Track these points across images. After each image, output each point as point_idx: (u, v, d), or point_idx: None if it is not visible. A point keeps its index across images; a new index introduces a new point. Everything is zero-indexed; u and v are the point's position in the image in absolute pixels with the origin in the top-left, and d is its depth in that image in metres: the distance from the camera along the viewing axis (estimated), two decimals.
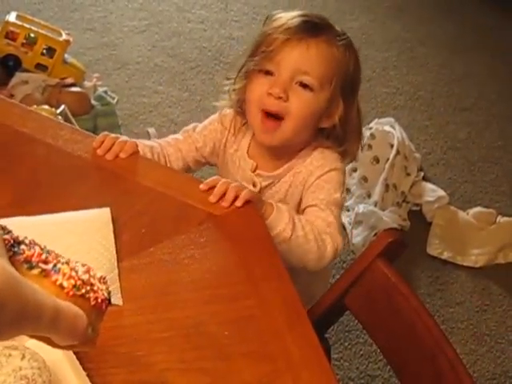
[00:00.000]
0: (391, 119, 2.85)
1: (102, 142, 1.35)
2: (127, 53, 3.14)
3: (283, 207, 1.36)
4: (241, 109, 1.52)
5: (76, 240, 1.14)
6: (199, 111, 2.87)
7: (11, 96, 2.57)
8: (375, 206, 2.55)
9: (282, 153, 1.50)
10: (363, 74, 3.08)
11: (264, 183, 1.51)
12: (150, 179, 1.30)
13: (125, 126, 2.75)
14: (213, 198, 1.26)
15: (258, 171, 1.52)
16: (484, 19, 3.72)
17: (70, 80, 2.65)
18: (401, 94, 3.15)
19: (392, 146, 2.68)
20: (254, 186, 1.51)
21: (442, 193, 2.64)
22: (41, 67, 2.67)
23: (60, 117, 2.39)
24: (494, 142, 3.01)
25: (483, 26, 3.68)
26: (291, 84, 1.40)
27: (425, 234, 2.56)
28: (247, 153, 1.54)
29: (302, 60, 1.39)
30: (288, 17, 1.43)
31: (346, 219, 2.53)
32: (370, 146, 2.69)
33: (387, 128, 2.76)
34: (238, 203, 1.25)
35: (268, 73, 1.42)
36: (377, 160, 2.66)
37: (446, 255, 2.51)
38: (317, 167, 1.47)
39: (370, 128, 2.76)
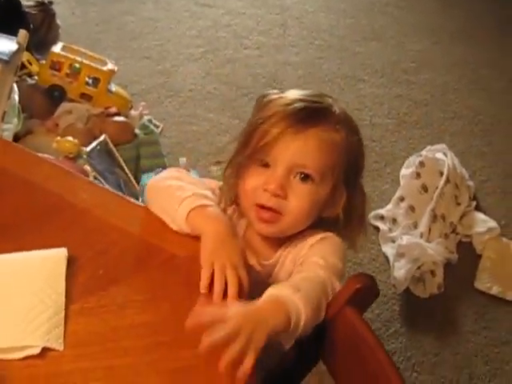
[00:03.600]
0: (444, 146, 2.73)
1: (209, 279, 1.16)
2: (181, 80, 3.12)
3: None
4: (235, 202, 1.38)
5: (25, 281, 1.10)
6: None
7: (56, 126, 2.58)
8: (421, 237, 2.44)
9: (279, 240, 1.36)
10: (420, 99, 3.04)
11: (261, 273, 1.35)
12: (117, 217, 1.25)
13: (172, 154, 2.73)
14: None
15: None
16: None
17: (113, 109, 2.65)
18: (459, 118, 3.03)
19: (442, 173, 2.57)
20: None
21: (493, 224, 2.51)
22: (85, 97, 2.68)
23: (95, 147, 2.38)
24: None
25: None
26: (289, 178, 1.27)
27: (474, 268, 2.43)
28: (243, 237, 1.37)
29: (300, 154, 1.26)
30: (282, 102, 1.30)
31: (390, 251, 2.43)
32: (418, 175, 2.58)
33: (438, 155, 2.65)
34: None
35: (264, 164, 1.29)
36: (425, 189, 2.55)
37: (495, 290, 2.37)
38: (307, 241, 1.32)
39: (420, 155, 2.66)
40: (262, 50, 3.32)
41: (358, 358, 1.10)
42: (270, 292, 1.11)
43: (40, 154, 1.46)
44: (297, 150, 1.26)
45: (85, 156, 2.25)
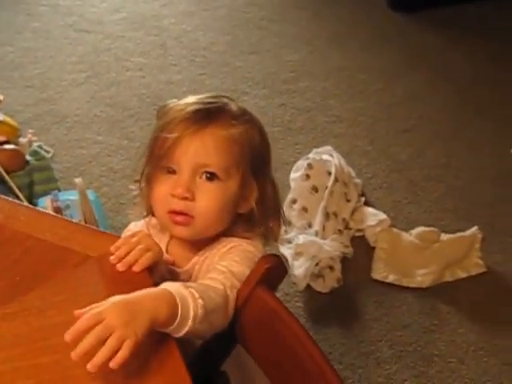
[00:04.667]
0: (329, 147, 2.84)
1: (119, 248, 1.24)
2: (66, 106, 3.14)
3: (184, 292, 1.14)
4: (153, 214, 1.42)
5: None
6: (138, 157, 2.85)
7: None
8: (316, 235, 2.52)
9: (199, 243, 1.39)
10: (303, 106, 3.15)
11: (178, 281, 1.34)
12: (29, 226, 1.28)
13: (64, 179, 2.74)
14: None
15: (171, 267, 1.38)
16: (421, 40, 3.73)
17: (2, 138, 2.65)
18: (341, 121, 3.14)
19: (330, 173, 2.67)
20: None
21: (383, 216, 2.62)
22: None
23: None
24: (437, 160, 2.99)
25: (420, 46, 3.69)
26: (195, 180, 1.30)
27: (369, 259, 2.53)
28: (166, 249, 1.41)
29: (200, 154, 1.29)
30: (178, 108, 1.34)
31: (288, 251, 2.50)
32: (307, 176, 2.67)
33: (325, 157, 2.75)
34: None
35: (169, 171, 1.33)
36: (315, 189, 2.64)
37: (391, 278, 2.47)
38: (220, 248, 1.36)
39: (308, 158, 2.75)
40: (145, 71, 3.37)
41: (275, 334, 1.16)
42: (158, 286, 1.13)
43: None
44: (196, 150, 1.30)
45: None
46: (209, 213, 1.31)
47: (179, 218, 1.31)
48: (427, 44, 3.71)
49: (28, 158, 2.64)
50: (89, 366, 0.99)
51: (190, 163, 1.30)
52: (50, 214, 1.40)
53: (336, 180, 2.65)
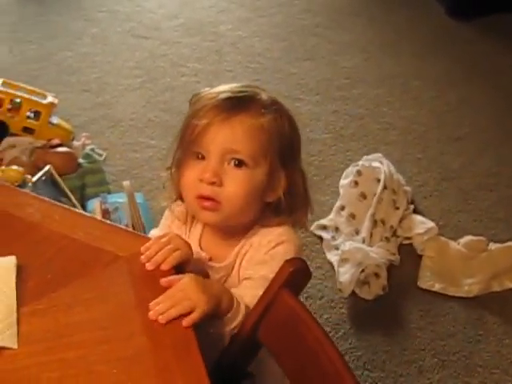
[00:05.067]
0: (379, 155, 2.83)
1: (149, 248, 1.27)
2: (121, 111, 3.19)
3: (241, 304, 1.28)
4: (181, 198, 1.46)
5: None
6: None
7: (0, 160, 2.63)
8: (363, 242, 2.52)
9: (232, 234, 1.43)
10: (356, 113, 3.14)
11: (217, 276, 1.42)
12: (63, 226, 1.32)
13: (117, 182, 2.78)
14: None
15: (209, 263, 1.43)
16: (474, 46, 3.72)
17: (56, 141, 2.71)
18: (393, 129, 3.13)
19: (379, 180, 2.66)
20: None
21: (431, 224, 2.60)
22: (28, 130, 2.74)
23: (40, 177, 2.44)
24: (489, 169, 2.96)
25: (474, 53, 3.67)
26: (223, 166, 1.33)
27: (416, 268, 2.52)
28: (199, 245, 1.46)
29: (228, 141, 1.32)
30: (210, 96, 1.37)
31: (334, 258, 2.51)
32: (356, 183, 2.67)
33: (374, 164, 2.75)
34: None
35: (199, 157, 1.36)
36: (364, 196, 2.64)
37: (437, 287, 2.46)
38: (264, 245, 1.39)
39: (357, 165, 2.75)
40: (200, 77, 3.40)
41: (298, 337, 1.17)
42: None
43: None
44: (225, 137, 1.33)
45: (30, 184, 2.30)
46: (236, 199, 1.34)
47: (207, 203, 1.34)
48: (479, 51, 3.70)
49: (81, 160, 2.70)
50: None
51: (219, 149, 1.33)
52: (84, 214, 1.42)
53: (385, 187, 2.64)
